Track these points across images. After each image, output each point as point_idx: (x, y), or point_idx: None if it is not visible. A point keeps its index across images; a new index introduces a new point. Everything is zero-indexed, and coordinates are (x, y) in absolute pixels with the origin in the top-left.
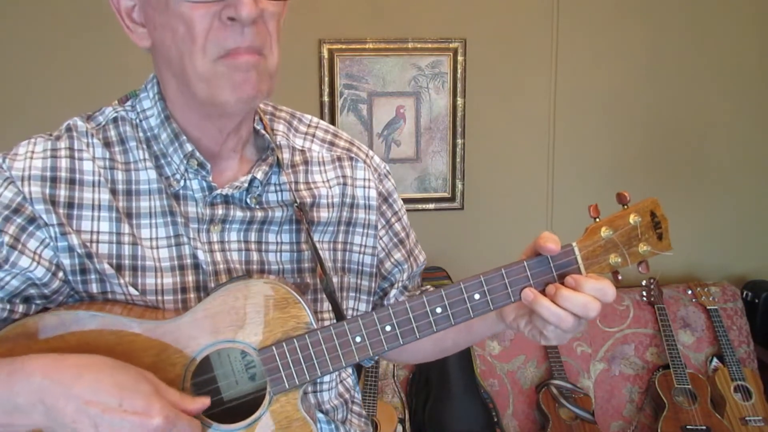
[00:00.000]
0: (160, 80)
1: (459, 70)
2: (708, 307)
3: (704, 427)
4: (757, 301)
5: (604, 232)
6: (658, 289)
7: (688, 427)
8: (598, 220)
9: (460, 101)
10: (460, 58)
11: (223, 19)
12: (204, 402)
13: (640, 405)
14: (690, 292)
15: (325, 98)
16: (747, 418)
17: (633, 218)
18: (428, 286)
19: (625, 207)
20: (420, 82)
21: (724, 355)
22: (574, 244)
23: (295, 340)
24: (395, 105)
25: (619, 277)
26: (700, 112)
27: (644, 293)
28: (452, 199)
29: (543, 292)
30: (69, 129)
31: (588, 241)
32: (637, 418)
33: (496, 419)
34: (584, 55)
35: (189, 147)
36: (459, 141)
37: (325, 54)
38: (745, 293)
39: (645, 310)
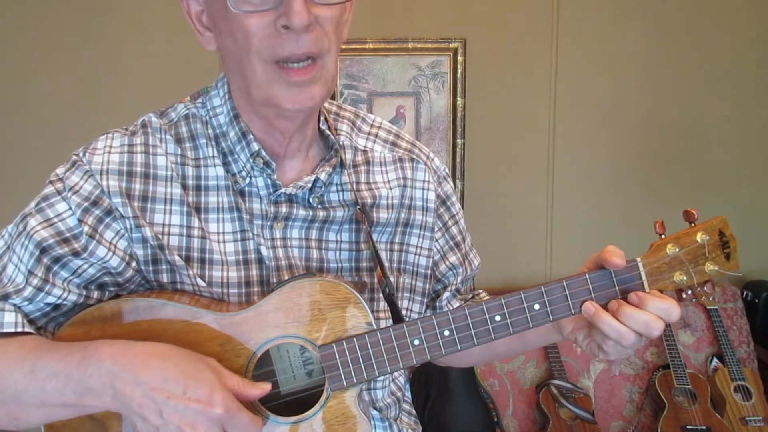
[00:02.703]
0: (229, 82)
1: (459, 70)
2: (708, 307)
3: (704, 427)
4: (757, 301)
5: (670, 249)
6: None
7: (688, 427)
8: (663, 236)
9: (460, 101)
10: (460, 58)
11: (278, 27)
12: (264, 388)
13: (640, 405)
14: (690, 291)
15: None
16: (747, 418)
17: (701, 236)
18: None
19: (692, 224)
20: (420, 82)
21: (724, 355)
22: (638, 259)
23: (355, 340)
24: (395, 105)
25: (683, 296)
26: (699, 113)
27: None
28: None
29: (605, 306)
30: (144, 125)
31: (653, 258)
32: (637, 418)
33: (496, 419)
34: (584, 56)
35: (256, 146)
36: (459, 141)
37: None
38: (745, 293)
39: None
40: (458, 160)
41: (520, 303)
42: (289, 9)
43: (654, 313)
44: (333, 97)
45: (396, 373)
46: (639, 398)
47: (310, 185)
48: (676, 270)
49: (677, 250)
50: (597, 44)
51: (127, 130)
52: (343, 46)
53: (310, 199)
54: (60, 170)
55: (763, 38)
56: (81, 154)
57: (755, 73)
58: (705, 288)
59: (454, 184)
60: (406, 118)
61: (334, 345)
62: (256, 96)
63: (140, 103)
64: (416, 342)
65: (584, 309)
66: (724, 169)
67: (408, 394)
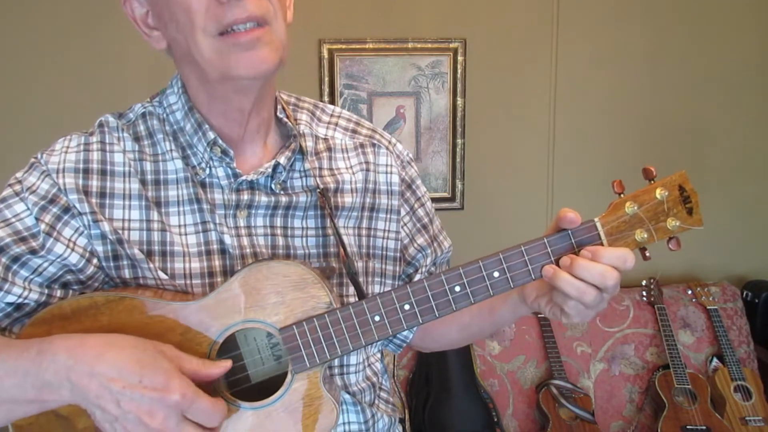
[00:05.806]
0: (182, 76)
1: (459, 70)
2: (708, 307)
3: (704, 427)
4: (757, 301)
5: (629, 207)
6: (658, 289)
7: (688, 427)
8: (622, 195)
9: (460, 101)
10: (460, 58)
11: None
12: (225, 365)
13: (640, 405)
14: (690, 292)
15: (325, 98)
16: (747, 418)
17: (659, 192)
18: None
19: (652, 182)
20: (420, 82)
21: (724, 355)
22: (596, 219)
23: (315, 320)
24: (395, 105)
25: (647, 254)
26: (699, 112)
27: (644, 293)
28: (452, 199)
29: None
30: (101, 125)
31: (611, 217)
32: (637, 418)
33: (496, 419)
34: (584, 56)
35: (211, 135)
36: (459, 141)
37: (325, 54)
38: (745, 293)
39: (645, 310)
40: (458, 160)
41: (480, 271)
42: None
43: (608, 263)
44: (333, 98)
45: (372, 359)
46: (639, 398)
47: (270, 170)
48: (636, 228)
49: (636, 208)
50: (597, 44)
51: (85, 132)
52: (343, 46)
53: (272, 185)
54: (19, 174)
55: (765, 36)
56: (39, 157)
57: (756, 71)
58: (670, 245)
59: (454, 184)
60: (406, 118)
61: (294, 326)
62: (212, 75)
63: (140, 101)
64: (377, 318)
65: (544, 272)
66: (725, 169)
67: (386, 384)
